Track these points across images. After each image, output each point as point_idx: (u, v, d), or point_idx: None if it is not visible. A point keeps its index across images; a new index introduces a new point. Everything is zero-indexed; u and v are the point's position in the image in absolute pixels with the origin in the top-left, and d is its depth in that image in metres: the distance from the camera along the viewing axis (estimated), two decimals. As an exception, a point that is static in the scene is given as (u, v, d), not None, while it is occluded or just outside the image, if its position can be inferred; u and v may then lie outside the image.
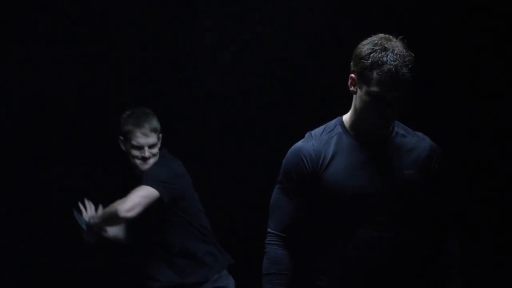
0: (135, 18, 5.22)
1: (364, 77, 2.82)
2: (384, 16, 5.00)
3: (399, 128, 2.97)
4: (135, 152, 4.27)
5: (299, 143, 2.96)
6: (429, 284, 2.99)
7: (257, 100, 5.26)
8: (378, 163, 2.90)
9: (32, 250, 5.22)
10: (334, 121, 2.99)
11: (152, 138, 4.27)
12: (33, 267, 5.25)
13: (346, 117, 2.96)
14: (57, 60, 5.19)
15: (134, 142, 4.26)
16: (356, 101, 2.89)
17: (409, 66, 2.80)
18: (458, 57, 5.05)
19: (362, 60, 2.82)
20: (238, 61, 5.22)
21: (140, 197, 4.12)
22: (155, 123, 4.29)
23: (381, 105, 2.81)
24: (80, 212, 4.32)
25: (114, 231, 4.33)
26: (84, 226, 4.28)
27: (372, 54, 2.80)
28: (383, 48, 2.80)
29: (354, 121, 2.92)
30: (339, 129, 2.95)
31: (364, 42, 2.85)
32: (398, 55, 2.79)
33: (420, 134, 3.01)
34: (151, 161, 4.27)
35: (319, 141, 2.93)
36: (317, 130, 2.98)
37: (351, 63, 2.87)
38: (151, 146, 4.27)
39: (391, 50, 2.80)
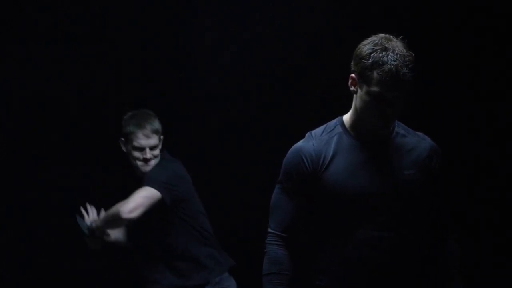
0: (135, 18, 5.22)
1: (365, 77, 2.82)
2: (384, 16, 5.00)
3: (400, 128, 2.97)
4: (136, 154, 4.26)
5: (300, 143, 2.96)
6: (429, 284, 2.99)
7: (257, 100, 5.26)
8: (378, 163, 2.90)
9: (32, 250, 5.23)
10: (334, 121, 2.99)
11: (154, 140, 4.26)
12: (33, 267, 5.25)
13: (347, 117, 2.96)
14: (57, 60, 5.19)
15: (135, 144, 4.25)
16: (356, 101, 2.89)
17: (410, 66, 2.79)
18: (458, 57, 5.06)
19: (363, 60, 2.81)
20: (238, 61, 5.22)
21: (143, 198, 4.11)
22: (156, 124, 4.28)
23: (382, 105, 2.81)
24: (82, 217, 4.31)
25: (116, 235, 4.30)
26: (86, 231, 4.26)
27: (372, 54, 2.80)
28: (383, 48, 2.80)
29: (355, 121, 2.92)
30: (339, 129, 2.95)
31: (365, 42, 2.85)
32: (398, 55, 2.79)
33: (420, 134, 3.01)
34: (152, 162, 4.26)
35: (320, 141, 2.93)
36: (318, 130, 2.98)
37: (352, 63, 2.87)
38: (152, 148, 4.26)
39: (391, 50, 2.80)
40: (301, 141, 2.97)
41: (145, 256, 4.32)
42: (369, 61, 2.80)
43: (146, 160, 4.24)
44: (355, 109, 2.91)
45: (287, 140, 3.07)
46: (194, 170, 4.43)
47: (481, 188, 5.07)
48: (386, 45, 2.81)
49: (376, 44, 2.82)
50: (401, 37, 2.87)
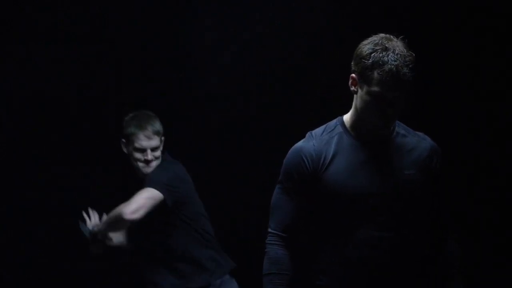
0: (135, 18, 5.22)
1: (365, 77, 2.82)
2: (384, 16, 5.00)
3: (400, 128, 2.97)
4: (138, 155, 4.25)
5: (300, 143, 2.96)
6: (429, 284, 2.99)
7: (257, 100, 5.26)
8: (378, 163, 2.90)
9: (32, 250, 5.22)
10: (334, 121, 2.99)
11: (155, 141, 4.26)
12: (33, 267, 5.24)
13: (347, 117, 2.96)
14: (57, 60, 5.19)
15: (136, 145, 4.24)
16: (356, 101, 2.89)
17: (410, 66, 2.80)
18: (458, 57, 5.06)
19: (363, 60, 2.82)
20: (238, 61, 5.22)
21: (145, 199, 4.10)
22: (158, 126, 4.28)
23: (382, 105, 2.81)
24: (84, 221, 4.30)
25: (118, 238, 4.29)
26: (87, 235, 4.25)
27: (373, 54, 2.80)
28: (384, 48, 2.80)
29: (355, 121, 2.92)
30: (339, 129, 2.95)
31: (365, 42, 2.85)
32: (399, 55, 2.79)
33: (420, 134, 3.01)
34: (154, 164, 4.25)
35: (320, 141, 2.93)
36: (318, 130, 2.98)
37: (352, 63, 2.87)
38: (153, 149, 4.25)
39: (392, 50, 2.80)
40: (302, 141, 2.97)
41: (146, 258, 4.31)
42: (369, 61, 2.80)
43: (147, 162, 4.23)
44: (356, 109, 2.91)
45: (287, 140, 3.07)
46: (194, 170, 4.43)
47: (481, 188, 5.07)
48: (387, 45, 2.81)
49: (376, 44, 2.82)
50: (401, 37, 2.87)
